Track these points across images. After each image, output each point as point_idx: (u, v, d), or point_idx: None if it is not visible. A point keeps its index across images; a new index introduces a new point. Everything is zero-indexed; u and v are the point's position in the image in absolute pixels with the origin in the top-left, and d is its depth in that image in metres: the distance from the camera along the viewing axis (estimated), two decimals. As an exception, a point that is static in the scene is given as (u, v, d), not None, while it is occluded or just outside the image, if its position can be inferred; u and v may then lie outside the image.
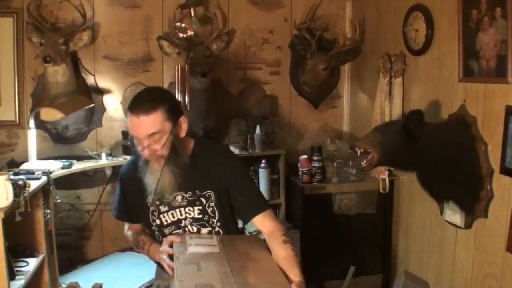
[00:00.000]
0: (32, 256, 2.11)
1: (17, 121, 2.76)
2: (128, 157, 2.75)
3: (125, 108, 2.95)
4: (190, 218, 1.63)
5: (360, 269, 2.68)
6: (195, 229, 1.64)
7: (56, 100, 2.65)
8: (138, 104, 1.51)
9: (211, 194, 1.61)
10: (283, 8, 3.10)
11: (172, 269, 1.48)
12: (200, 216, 1.63)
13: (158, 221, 1.66)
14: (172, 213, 1.64)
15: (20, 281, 1.88)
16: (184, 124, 1.57)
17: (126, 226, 1.80)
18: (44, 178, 2.15)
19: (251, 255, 1.47)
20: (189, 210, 1.63)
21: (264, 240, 1.61)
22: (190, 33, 2.73)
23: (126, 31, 2.89)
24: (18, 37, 2.71)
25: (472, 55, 1.94)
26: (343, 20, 3.17)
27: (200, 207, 1.62)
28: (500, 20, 1.77)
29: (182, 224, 1.64)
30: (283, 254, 1.50)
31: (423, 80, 2.34)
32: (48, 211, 2.22)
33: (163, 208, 1.64)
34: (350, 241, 2.71)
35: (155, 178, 1.56)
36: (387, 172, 2.54)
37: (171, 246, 1.57)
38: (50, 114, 2.57)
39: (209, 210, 1.62)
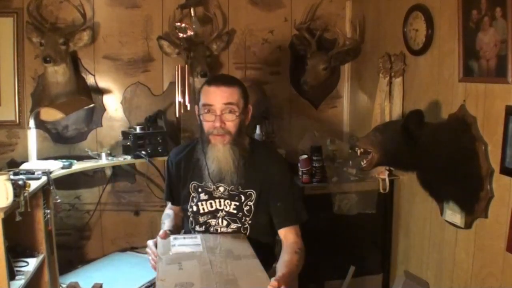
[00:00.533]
0: (32, 256, 2.11)
1: (17, 121, 2.77)
2: (128, 157, 2.76)
3: (125, 108, 2.96)
4: (226, 211, 1.66)
5: (360, 269, 2.68)
6: (225, 223, 1.67)
7: (56, 100, 2.65)
8: (219, 78, 1.74)
9: (252, 193, 1.63)
10: (283, 8, 3.10)
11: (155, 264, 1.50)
12: (235, 211, 1.65)
13: (195, 208, 1.68)
14: (211, 203, 1.67)
15: (20, 281, 1.89)
16: (250, 112, 1.64)
17: (169, 204, 1.87)
18: (44, 178, 2.16)
19: (234, 252, 1.48)
20: (227, 203, 1.65)
21: (247, 237, 1.64)
22: (190, 33, 2.73)
23: (126, 31, 2.89)
24: (18, 37, 2.71)
25: (472, 55, 1.94)
26: (343, 20, 3.17)
27: (238, 203, 1.64)
28: (500, 20, 1.77)
29: (218, 215, 1.67)
30: (286, 258, 1.53)
31: (423, 80, 2.34)
32: (48, 211, 2.23)
33: (203, 196, 1.67)
34: (350, 241, 2.70)
35: (216, 158, 1.58)
36: (387, 172, 2.54)
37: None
38: (50, 114, 2.57)
39: (246, 208, 1.64)
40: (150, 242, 1.60)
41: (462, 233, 2.06)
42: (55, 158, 2.67)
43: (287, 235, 1.64)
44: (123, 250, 2.91)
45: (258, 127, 2.86)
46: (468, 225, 2.00)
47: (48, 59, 2.51)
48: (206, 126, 1.60)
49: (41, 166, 2.32)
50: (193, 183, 1.68)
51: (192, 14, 2.76)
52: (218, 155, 1.59)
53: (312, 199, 2.64)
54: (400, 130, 1.89)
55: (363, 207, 2.70)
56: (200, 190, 1.68)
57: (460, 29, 1.99)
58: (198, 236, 1.61)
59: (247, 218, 1.65)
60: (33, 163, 2.47)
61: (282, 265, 1.49)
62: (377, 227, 2.73)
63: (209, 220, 1.69)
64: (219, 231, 1.69)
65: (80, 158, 2.74)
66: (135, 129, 2.79)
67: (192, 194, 1.69)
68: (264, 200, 1.64)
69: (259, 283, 1.28)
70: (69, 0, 2.72)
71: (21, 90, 2.76)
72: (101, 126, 2.95)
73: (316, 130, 3.02)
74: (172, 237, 1.59)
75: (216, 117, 1.55)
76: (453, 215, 2.08)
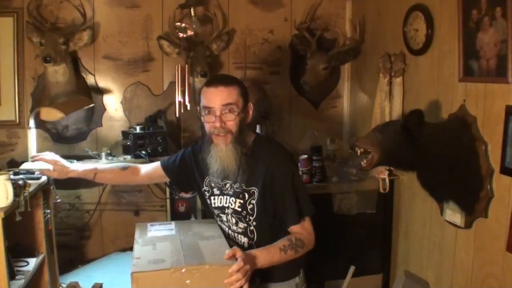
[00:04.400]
0: (32, 256, 2.10)
1: (17, 121, 2.77)
2: (128, 157, 2.76)
3: (125, 107, 2.96)
4: (232, 209, 1.69)
5: (360, 269, 2.67)
6: (233, 220, 1.70)
7: (56, 100, 2.65)
8: (217, 78, 1.72)
9: (255, 191, 1.63)
10: (283, 8, 3.10)
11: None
12: (239, 209, 1.67)
13: (208, 201, 1.76)
14: (221, 199, 1.71)
15: (20, 280, 1.88)
16: (251, 110, 1.66)
17: (152, 165, 1.93)
18: (44, 178, 2.15)
19: (204, 234, 1.61)
20: (232, 200, 1.68)
21: (254, 244, 1.68)
22: (190, 33, 2.72)
23: (126, 31, 2.89)
24: (18, 37, 2.71)
25: (472, 55, 1.94)
26: (343, 20, 3.17)
27: (242, 201, 1.65)
28: (500, 20, 1.77)
29: (226, 212, 1.71)
30: (277, 242, 1.56)
31: (423, 80, 2.34)
32: (48, 210, 2.22)
33: (216, 191, 1.72)
34: (350, 241, 2.70)
35: (219, 157, 1.61)
36: (387, 172, 2.54)
37: None
38: (50, 114, 2.56)
39: (249, 207, 1.64)
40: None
41: (462, 233, 2.06)
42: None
43: (292, 230, 1.65)
44: (123, 250, 2.90)
45: (258, 127, 2.85)
46: (468, 225, 2.00)
47: (48, 59, 2.51)
48: (208, 126, 1.62)
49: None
50: (207, 178, 1.74)
51: (192, 14, 2.75)
52: (221, 155, 1.61)
53: (312, 199, 2.63)
54: (400, 130, 1.89)
55: (363, 207, 2.70)
56: (213, 185, 1.73)
57: (460, 29, 1.99)
58: (173, 222, 1.75)
59: (251, 218, 1.65)
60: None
61: (268, 246, 1.54)
62: (377, 227, 2.73)
63: (221, 215, 1.74)
64: (231, 228, 1.72)
65: (80, 158, 2.74)
66: (135, 129, 2.79)
67: (205, 187, 1.76)
68: (267, 198, 1.63)
69: (223, 257, 1.40)
70: (69, 0, 2.72)
71: (21, 90, 2.76)
72: (101, 126, 2.95)
73: (316, 130, 3.02)
74: (149, 224, 1.74)
75: (216, 117, 1.57)
76: (453, 215, 2.08)
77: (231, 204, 1.68)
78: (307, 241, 1.63)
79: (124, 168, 1.92)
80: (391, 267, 2.76)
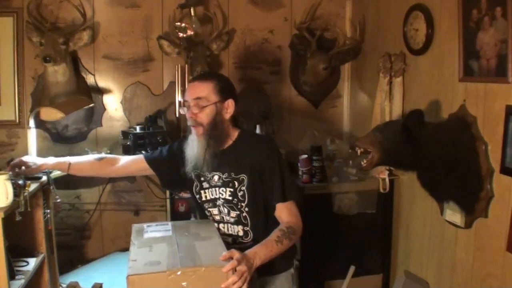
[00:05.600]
0: (32, 255, 2.10)
1: (17, 121, 2.77)
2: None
3: (125, 107, 2.96)
4: (223, 199, 1.73)
5: (360, 269, 2.67)
6: (226, 210, 1.73)
7: (56, 100, 2.65)
8: (198, 75, 1.88)
9: (244, 178, 1.69)
10: (283, 7, 3.10)
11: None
12: (230, 198, 1.71)
13: (197, 196, 1.78)
14: (211, 191, 1.75)
15: (20, 280, 1.88)
16: (231, 107, 1.70)
17: (133, 157, 1.98)
18: (44, 178, 2.15)
19: (201, 235, 1.60)
20: (222, 191, 1.72)
21: (250, 230, 1.71)
22: (190, 32, 2.72)
23: (126, 30, 2.90)
24: (18, 37, 2.72)
25: (472, 54, 1.94)
26: (343, 19, 3.17)
27: (232, 189, 1.70)
28: (500, 19, 1.77)
29: (217, 203, 1.75)
30: (268, 237, 1.58)
31: (423, 80, 2.34)
32: (48, 210, 2.22)
33: (205, 185, 1.76)
34: (350, 241, 2.70)
35: (192, 150, 1.70)
36: (387, 172, 2.54)
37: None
38: (50, 114, 2.56)
39: (240, 194, 1.69)
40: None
41: (462, 232, 2.06)
42: (55, 157, 2.67)
43: (280, 215, 1.68)
44: (123, 250, 2.90)
45: (258, 127, 2.85)
46: (468, 225, 2.00)
47: (48, 58, 2.51)
48: (187, 118, 1.73)
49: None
50: (195, 172, 1.76)
51: (192, 14, 2.75)
52: (192, 144, 1.71)
53: (312, 199, 2.65)
54: (400, 130, 1.89)
55: (363, 207, 2.70)
56: (202, 179, 1.76)
57: (460, 28, 1.99)
58: (169, 223, 1.74)
59: (243, 204, 1.70)
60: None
61: (263, 242, 1.55)
62: (377, 227, 2.73)
63: (210, 209, 1.77)
64: (224, 219, 1.75)
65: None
66: (135, 128, 2.79)
67: (195, 183, 1.78)
68: (257, 184, 1.69)
69: (219, 259, 1.39)
70: (69, 0, 2.72)
71: (21, 90, 2.76)
72: (101, 125, 2.95)
73: (316, 130, 3.02)
74: (145, 225, 1.73)
75: (188, 110, 1.69)
76: (453, 214, 2.08)
77: (222, 194, 1.72)
78: (297, 227, 1.67)
79: (100, 159, 1.95)
80: (391, 267, 2.76)
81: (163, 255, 1.42)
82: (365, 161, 1.95)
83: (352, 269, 2.64)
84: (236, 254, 1.40)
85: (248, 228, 1.72)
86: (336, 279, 2.69)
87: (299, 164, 2.69)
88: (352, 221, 2.69)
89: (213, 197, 1.75)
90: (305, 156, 2.67)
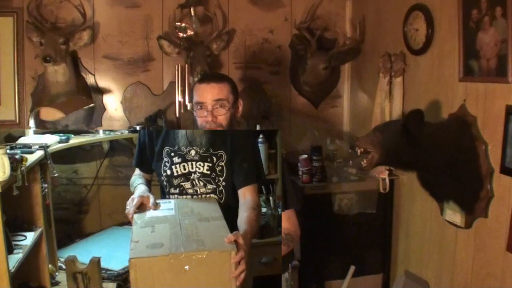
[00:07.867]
0: (30, 230, 2.10)
1: (17, 121, 2.77)
2: (125, 131, 2.81)
3: (125, 107, 2.96)
4: (199, 172, 1.75)
5: (360, 269, 2.67)
6: (201, 183, 1.76)
7: (56, 100, 2.65)
8: (209, 75, 1.92)
9: (223, 154, 1.73)
10: (283, 7, 3.10)
11: None
12: (208, 172, 1.74)
13: (169, 172, 1.77)
14: (184, 165, 1.75)
15: (18, 255, 1.88)
16: (240, 106, 1.76)
17: (137, 171, 1.95)
18: (41, 152, 2.14)
19: (203, 215, 1.59)
20: (200, 165, 1.74)
21: (223, 203, 1.73)
22: (190, 32, 2.73)
23: (126, 30, 2.90)
24: (18, 37, 2.71)
25: (472, 54, 1.94)
26: (343, 19, 3.17)
27: (210, 164, 1.73)
28: (501, 19, 1.77)
29: (191, 177, 1.76)
30: (245, 215, 1.59)
31: (423, 80, 2.34)
32: (46, 185, 2.21)
33: (176, 160, 1.76)
34: (350, 241, 2.70)
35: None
36: (387, 172, 2.54)
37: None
38: (50, 114, 2.57)
39: (218, 168, 1.73)
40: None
41: (462, 232, 2.06)
42: (52, 133, 2.63)
43: (246, 193, 1.70)
44: (121, 224, 2.90)
45: (258, 127, 2.85)
46: (468, 225, 2.00)
47: (48, 58, 2.51)
48: (199, 121, 1.73)
49: (38, 140, 2.28)
50: (166, 149, 1.77)
51: (192, 14, 2.75)
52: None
53: (312, 199, 2.65)
54: (400, 130, 1.88)
55: (363, 207, 2.70)
56: (173, 154, 1.76)
57: (460, 28, 1.99)
58: (172, 201, 1.73)
59: (220, 179, 1.73)
60: (30, 138, 2.42)
61: (242, 222, 1.55)
62: (377, 227, 2.73)
63: (183, 183, 1.77)
64: (198, 192, 1.76)
65: (77, 132, 2.74)
66: (135, 128, 2.79)
67: (165, 159, 1.78)
68: (234, 163, 1.74)
69: (222, 241, 1.38)
70: (69, 0, 2.72)
71: (21, 90, 2.76)
72: (101, 125, 2.95)
73: (316, 129, 3.02)
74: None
75: (208, 112, 1.68)
76: (453, 214, 2.08)
77: (199, 168, 1.75)
78: (259, 206, 1.70)
79: (142, 179, 1.93)
80: (391, 267, 2.76)
81: (166, 237, 1.41)
82: (365, 161, 1.95)
83: (352, 269, 2.64)
84: (241, 238, 1.38)
85: (221, 201, 1.75)
86: (336, 279, 2.69)
87: (299, 164, 2.69)
88: (352, 221, 2.69)
89: (186, 171, 1.75)
90: (305, 156, 2.67)
